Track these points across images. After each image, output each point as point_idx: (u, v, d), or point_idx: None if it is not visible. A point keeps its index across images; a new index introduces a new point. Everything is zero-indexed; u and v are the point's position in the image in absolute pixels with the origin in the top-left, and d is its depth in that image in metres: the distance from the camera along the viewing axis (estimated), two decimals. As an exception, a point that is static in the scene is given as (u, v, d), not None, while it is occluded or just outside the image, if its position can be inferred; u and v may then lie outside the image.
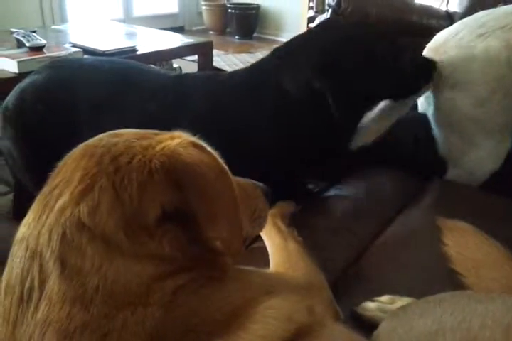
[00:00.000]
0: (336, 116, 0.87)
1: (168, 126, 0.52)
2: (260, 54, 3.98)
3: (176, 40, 2.26)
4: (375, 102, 0.95)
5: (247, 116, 0.94)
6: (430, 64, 0.92)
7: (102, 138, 0.46)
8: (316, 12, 4.58)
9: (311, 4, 4.89)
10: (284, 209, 0.87)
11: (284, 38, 4.72)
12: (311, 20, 4.37)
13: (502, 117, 0.94)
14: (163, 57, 2.20)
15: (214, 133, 0.85)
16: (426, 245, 0.78)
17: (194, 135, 0.49)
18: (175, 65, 2.60)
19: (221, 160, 0.46)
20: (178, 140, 0.45)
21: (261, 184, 0.62)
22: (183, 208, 0.42)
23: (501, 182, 0.97)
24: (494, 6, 1.08)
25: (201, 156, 0.44)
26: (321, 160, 1.02)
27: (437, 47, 0.98)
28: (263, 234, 0.76)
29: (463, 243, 0.75)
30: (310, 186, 1.21)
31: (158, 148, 0.43)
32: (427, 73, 0.92)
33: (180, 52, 2.21)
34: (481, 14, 1.00)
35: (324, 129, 0.93)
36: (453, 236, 0.75)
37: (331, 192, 1.03)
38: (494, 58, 0.91)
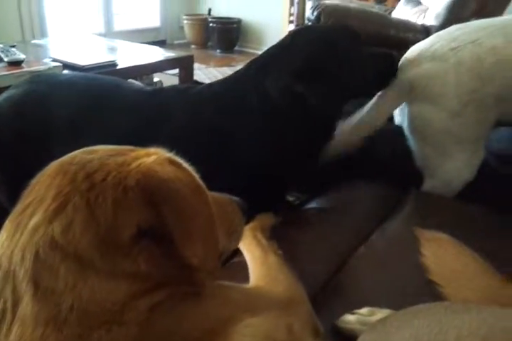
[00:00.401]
0: (318, 114, 0.91)
1: (146, 141, 0.51)
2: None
3: (156, 54, 2.26)
4: (352, 97, 0.98)
5: (226, 127, 0.95)
6: (394, 58, 0.96)
7: (77, 154, 0.46)
8: (296, 26, 4.65)
9: (292, 18, 4.96)
10: (264, 222, 0.87)
11: (265, 51, 4.77)
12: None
13: (475, 129, 0.96)
14: (144, 71, 2.20)
15: (193, 145, 0.85)
16: (404, 256, 0.79)
17: (171, 150, 0.49)
18: (156, 79, 2.60)
19: (197, 177, 0.46)
20: (154, 156, 0.45)
21: (236, 198, 0.62)
22: (159, 226, 0.42)
23: (475, 191, 0.98)
24: (468, 20, 1.11)
25: (177, 173, 0.44)
26: (303, 168, 1.03)
27: (412, 59, 1.00)
28: (243, 248, 0.76)
29: (440, 254, 0.75)
30: (290, 199, 1.21)
31: (133, 165, 0.43)
32: (392, 65, 0.96)
33: (160, 66, 2.21)
34: (454, 28, 1.03)
35: (306, 133, 0.95)
36: (431, 247, 0.76)
37: (311, 205, 1.04)
38: (466, 72, 0.93)
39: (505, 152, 1.11)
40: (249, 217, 0.85)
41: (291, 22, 5.01)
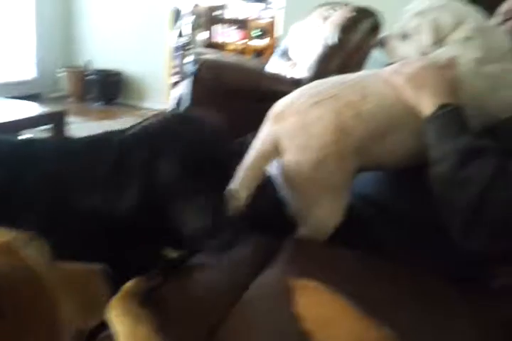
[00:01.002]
0: None
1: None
2: (124, 120, 3.95)
3: (25, 110, 2.14)
4: None
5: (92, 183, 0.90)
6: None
7: None
8: (181, 77, 4.75)
9: (177, 69, 5.07)
10: (138, 287, 0.82)
11: (148, 104, 4.78)
12: (176, 85, 4.51)
13: (339, 176, 1.02)
14: (10, 129, 2.06)
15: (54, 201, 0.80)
16: (280, 307, 0.78)
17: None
18: (26, 136, 2.45)
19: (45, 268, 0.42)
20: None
21: (96, 266, 0.58)
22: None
23: (344, 234, 1.04)
24: (335, 73, 1.20)
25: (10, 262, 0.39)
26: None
27: (277, 113, 1.06)
28: (111, 320, 0.70)
29: (313, 302, 0.77)
30: (171, 255, 1.17)
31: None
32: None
33: (30, 122, 2.09)
34: (315, 83, 1.11)
35: None
36: (304, 296, 0.77)
37: (192, 262, 1.01)
38: (327, 125, 1.00)
39: (370, 194, 1.18)
40: (119, 283, 0.79)
41: (176, 73, 5.12)
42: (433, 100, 0.97)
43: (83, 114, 4.19)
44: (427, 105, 0.97)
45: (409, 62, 1.05)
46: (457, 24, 1.03)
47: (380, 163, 1.09)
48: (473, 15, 1.06)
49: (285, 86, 2.32)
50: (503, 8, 1.19)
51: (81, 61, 5.02)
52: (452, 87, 0.98)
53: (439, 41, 1.05)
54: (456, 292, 0.92)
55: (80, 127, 3.69)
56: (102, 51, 4.98)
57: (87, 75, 4.76)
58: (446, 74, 0.99)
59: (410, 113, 1.00)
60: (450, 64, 1.00)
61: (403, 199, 1.11)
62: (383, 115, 1.02)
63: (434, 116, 0.96)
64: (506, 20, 1.16)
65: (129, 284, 0.79)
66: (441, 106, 0.95)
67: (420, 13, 1.07)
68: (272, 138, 1.03)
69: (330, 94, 1.02)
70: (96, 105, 4.72)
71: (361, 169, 1.07)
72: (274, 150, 1.03)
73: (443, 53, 1.04)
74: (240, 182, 0.99)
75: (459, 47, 1.02)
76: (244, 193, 1.00)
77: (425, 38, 1.06)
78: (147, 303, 0.77)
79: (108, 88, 4.76)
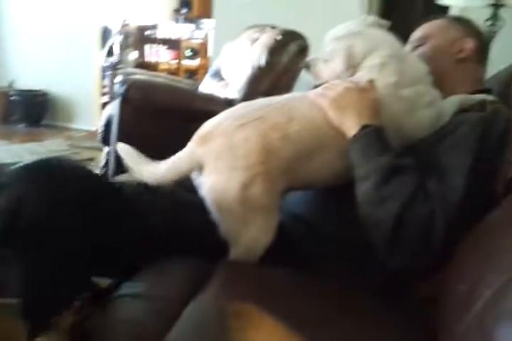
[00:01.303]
0: None
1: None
2: (50, 143, 3.79)
3: None
4: None
5: None
6: None
7: None
8: (111, 97, 4.64)
9: (106, 89, 4.95)
10: (66, 321, 0.78)
11: (77, 125, 4.62)
12: (105, 105, 4.41)
13: (267, 197, 1.03)
14: None
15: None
16: (216, 333, 0.77)
17: None
18: None
19: None
20: None
21: (11, 300, 0.55)
22: None
23: (275, 253, 1.04)
24: (266, 93, 1.23)
25: None
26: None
27: (204, 134, 1.06)
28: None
29: (248, 325, 0.76)
30: (101, 285, 1.12)
31: None
32: None
33: None
34: (241, 105, 1.12)
35: None
36: (239, 320, 0.77)
37: (123, 291, 0.98)
38: (253, 146, 1.01)
39: (300, 213, 1.21)
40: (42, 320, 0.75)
41: (104, 94, 5.00)
42: (356, 121, 1.02)
43: (6, 136, 3.97)
44: (350, 126, 1.02)
45: (333, 85, 1.10)
46: (371, 51, 1.10)
47: (309, 183, 1.11)
48: (389, 42, 1.13)
49: (218, 106, 2.33)
50: (413, 36, 1.29)
51: (4, 81, 4.78)
52: (374, 109, 1.04)
53: (352, 67, 1.11)
54: (382, 305, 0.96)
55: (3, 150, 3.49)
56: (27, 71, 4.77)
57: (10, 96, 4.53)
58: (367, 96, 1.04)
59: (336, 134, 1.05)
60: (370, 87, 1.06)
61: (332, 218, 1.14)
62: (310, 137, 1.05)
63: (358, 137, 1.00)
64: (415, 47, 1.25)
65: (61, 316, 0.75)
66: (364, 127, 1.00)
67: (337, 39, 1.12)
68: (194, 158, 1.04)
69: (256, 116, 1.04)
70: (20, 127, 4.49)
71: (290, 189, 1.10)
72: (189, 169, 1.05)
73: (362, 77, 1.09)
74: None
75: (375, 72, 1.08)
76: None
77: (338, 63, 1.11)
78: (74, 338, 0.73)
79: (33, 109, 4.56)
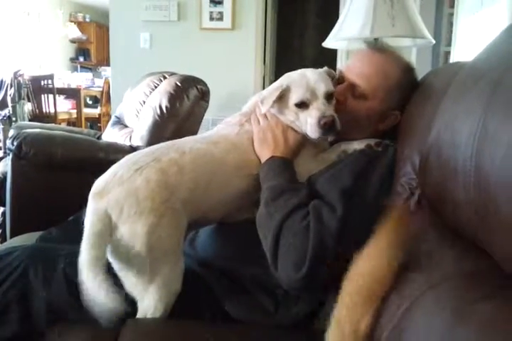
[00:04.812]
0: None
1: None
2: None
3: None
4: None
5: None
6: None
7: None
8: (4, 153, 4.34)
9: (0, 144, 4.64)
10: None
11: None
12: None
13: (174, 237, 1.02)
14: None
15: None
16: None
17: None
18: None
19: None
20: None
21: None
22: None
23: (185, 302, 1.02)
24: (169, 139, 1.23)
25: None
26: None
27: (100, 190, 1.02)
28: None
29: None
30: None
31: None
32: None
33: None
34: (131, 155, 1.12)
35: None
36: None
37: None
38: (153, 186, 1.01)
39: (205, 256, 1.19)
40: None
41: (-1, 149, 4.66)
42: (270, 152, 1.13)
43: None
44: (264, 155, 1.14)
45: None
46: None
47: (208, 214, 1.13)
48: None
49: (123, 154, 2.26)
50: (357, 72, 1.19)
51: None
52: (291, 146, 1.15)
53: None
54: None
55: None
56: None
57: None
58: (288, 134, 1.15)
59: (224, 158, 1.12)
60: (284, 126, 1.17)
61: (236, 259, 1.15)
62: (202, 165, 1.10)
63: (264, 164, 1.12)
64: (352, 92, 1.17)
65: None
66: (273, 157, 1.12)
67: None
68: (100, 215, 0.99)
69: (150, 158, 1.06)
70: None
71: (194, 223, 1.10)
72: (108, 227, 0.99)
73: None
74: (87, 263, 0.94)
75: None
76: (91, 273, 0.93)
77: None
78: None
79: None
